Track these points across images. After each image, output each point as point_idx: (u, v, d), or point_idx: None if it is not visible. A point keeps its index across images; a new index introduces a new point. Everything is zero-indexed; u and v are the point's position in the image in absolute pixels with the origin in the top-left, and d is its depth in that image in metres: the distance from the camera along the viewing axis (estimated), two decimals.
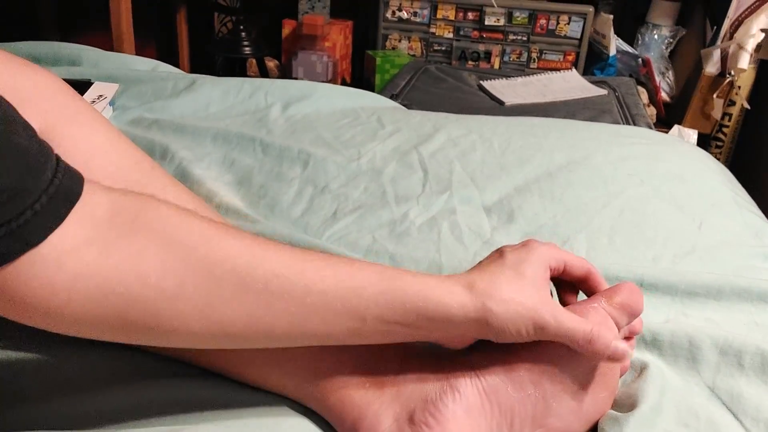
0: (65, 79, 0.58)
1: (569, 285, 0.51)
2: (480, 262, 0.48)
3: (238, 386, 0.50)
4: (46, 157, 0.37)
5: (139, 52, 1.73)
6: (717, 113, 1.86)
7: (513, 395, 0.46)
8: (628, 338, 0.51)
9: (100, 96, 0.86)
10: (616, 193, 0.74)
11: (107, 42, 1.68)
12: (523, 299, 0.44)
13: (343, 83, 2.22)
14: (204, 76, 1.00)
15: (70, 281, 0.38)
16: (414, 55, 2.08)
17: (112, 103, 0.88)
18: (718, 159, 1.83)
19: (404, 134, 0.85)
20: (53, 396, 0.49)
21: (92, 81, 0.91)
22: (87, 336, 0.42)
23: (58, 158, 0.39)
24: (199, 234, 0.41)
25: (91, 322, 0.40)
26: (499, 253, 0.48)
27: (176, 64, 2.24)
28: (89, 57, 1.06)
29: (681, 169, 0.83)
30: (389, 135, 0.85)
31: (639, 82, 1.94)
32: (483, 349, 0.48)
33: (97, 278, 0.38)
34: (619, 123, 1.24)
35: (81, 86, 0.88)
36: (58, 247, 0.37)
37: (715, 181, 0.83)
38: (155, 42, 2.34)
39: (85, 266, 0.38)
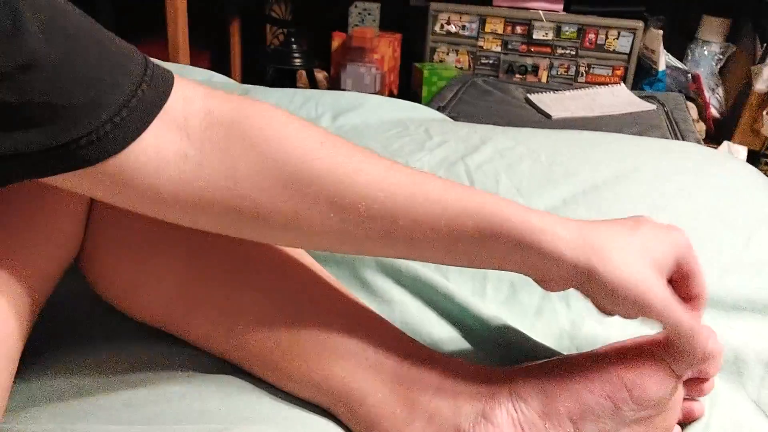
0: None
1: None
2: (613, 220, 0.45)
3: (278, 390, 0.51)
4: (125, 69, 0.39)
5: (194, 62, 1.77)
6: (766, 130, 1.83)
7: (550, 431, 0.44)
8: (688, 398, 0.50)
9: None
10: (663, 207, 0.74)
11: (164, 52, 1.73)
12: (635, 273, 0.41)
13: (391, 95, 2.24)
14: (257, 86, 1.03)
15: (172, 187, 0.40)
16: (461, 68, 2.10)
17: None
18: None
19: (451, 145, 0.86)
20: (112, 382, 0.51)
21: None
22: (194, 225, 0.44)
23: (146, 65, 0.40)
24: (293, 149, 0.42)
25: (195, 217, 0.43)
26: (636, 221, 0.45)
27: (228, 75, 2.29)
28: None
29: (730, 184, 0.82)
30: (437, 146, 0.86)
31: (688, 98, 1.92)
32: (523, 377, 0.47)
33: (194, 186, 0.40)
34: (667, 138, 1.23)
35: None
36: (153, 156, 0.39)
37: (764, 198, 0.82)
38: (209, 53, 2.39)
39: (182, 176, 0.40)
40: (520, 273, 0.44)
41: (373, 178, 0.42)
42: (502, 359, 0.55)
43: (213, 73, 1.17)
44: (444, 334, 0.57)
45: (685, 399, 0.49)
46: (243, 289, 0.51)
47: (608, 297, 0.42)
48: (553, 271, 0.42)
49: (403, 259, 0.48)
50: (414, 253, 0.44)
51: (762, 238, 0.71)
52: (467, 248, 0.42)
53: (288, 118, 0.43)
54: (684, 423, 0.50)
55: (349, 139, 0.89)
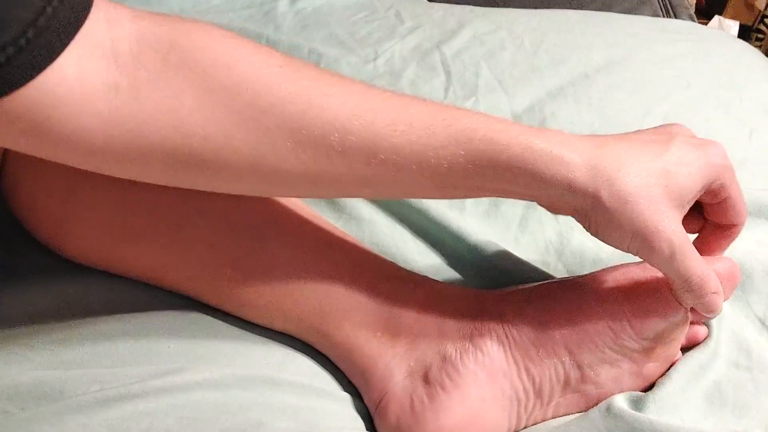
0: None
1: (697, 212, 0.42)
2: (639, 132, 0.40)
3: (241, 322, 0.46)
4: None
5: None
6: (761, 3, 1.73)
7: (544, 360, 0.40)
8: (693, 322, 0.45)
9: None
10: (660, 98, 0.67)
11: None
12: (646, 209, 0.36)
13: None
14: None
15: (104, 125, 0.34)
16: None
17: None
18: None
19: (425, 31, 0.78)
20: (44, 321, 0.46)
21: None
22: (135, 177, 0.38)
23: None
24: (245, 74, 0.35)
25: (134, 166, 0.36)
26: (669, 135, 0.39)
27: None
28: None
29: (730, 69, 0.75)
30: (409, 32, 0.77)
31: None
32: (515, 301, 0.42)
33: (130, 125, 0.34)
34: (659, 15, 1.14)
35: None
36: (78, 88, 0.32)
37: (766, 82, 0.75)
38: None
39: (114, 111, 0.34)
40: (524, 200, 0.39)
41: (345, 103, 0.36)
42: (488, 282, 0.49)
43: None
44: (421, 256, 0.52)
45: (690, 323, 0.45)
46: (194, 215, 0.45)
47: (612, 233, 0.37)
48: (562, 199, 0.37)
49: (387, 198, 0.41)
50: (400, 191, 0.39)
51: (766, 129, 0.65)
52: (461, 181, 0.37)
53: (238, 39, 0.37)
54: (686, 348, 0.46)
55: (311, 24, 0.82)
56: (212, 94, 0.35)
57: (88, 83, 0.33)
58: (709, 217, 0.42)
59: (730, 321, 0.47)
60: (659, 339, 0.41)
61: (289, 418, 0.41)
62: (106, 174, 0.37)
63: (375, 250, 0.49)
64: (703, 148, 0.38)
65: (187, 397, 0.40)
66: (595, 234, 0.38)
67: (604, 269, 0.44)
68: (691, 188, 0.38)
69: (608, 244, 0.38)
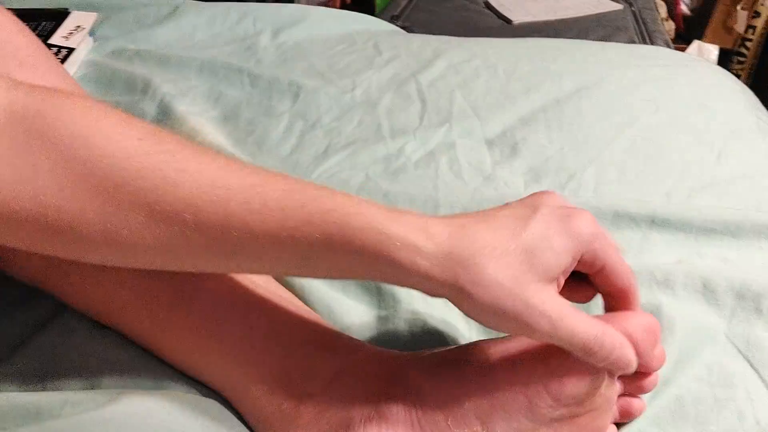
0: (41, 9, 0.53)
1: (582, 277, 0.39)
2: (505, 207, 0.38)
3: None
4: None
5: None
6: (740, 26, 1.76)
7: (454, 431, 0.38)
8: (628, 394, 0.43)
9: (78, 26, 0.81)
10: (629, 122, 0.69)
11: None
12: (510, 292, 0.34)
13: (343, 6, 2.12)
14: (187, 0, 0.94)
15: None
16: None
17: (92, 33, 0.83)
18: (740, 76, 1.75)
19: (402, 61, 0.80)
20: (21, 345, 0.46)
21: (69, 10, 0.85)
22: None
23: None
24: (102, 147, 0.35)
25: None
26: (533, 208, 0.37)
27: None
28: None
29: (700, 93, 0.77)
30: (386, 63, 0.80)
31: None
32: (426, 366, 0.41)
33: None
34: (635, 41, 1.16)
35: (57, 16, 0.82)
36: None
37: (736, 106, 0.77)
38: None
39: None
40: (395, 285, 0.38)
41: (199, 180, 0.35)
42: (410, 342, 0.49)
43: None
44: (353, 307, 0.51)
45: (622, 395, 0.43)
46: None
47: (487, 319, 0.35)
48: (425, 286, 0.35)
49: (246, 273, 0.42)
50: (262, 267, 0.38)
51: (734, 151, 0.67)
52: (319, 264, 0.36)
53: (106, 111, 0.36)
54: (621, 423, 0.44)
55: (291, 57, 0.84)
56: (68, 166, 0.35)
57: None
58: (597, 286, 0.40)
59: (694, 336, 0.48)
60: (580, 406, 0.39)
61: None
62: None
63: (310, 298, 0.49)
64: (568, 219, 0.36)
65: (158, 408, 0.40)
66: (472, 318, 0.36)
67: None
68: (557, 263, 0.35)
69: (489, 328, 0.37)
